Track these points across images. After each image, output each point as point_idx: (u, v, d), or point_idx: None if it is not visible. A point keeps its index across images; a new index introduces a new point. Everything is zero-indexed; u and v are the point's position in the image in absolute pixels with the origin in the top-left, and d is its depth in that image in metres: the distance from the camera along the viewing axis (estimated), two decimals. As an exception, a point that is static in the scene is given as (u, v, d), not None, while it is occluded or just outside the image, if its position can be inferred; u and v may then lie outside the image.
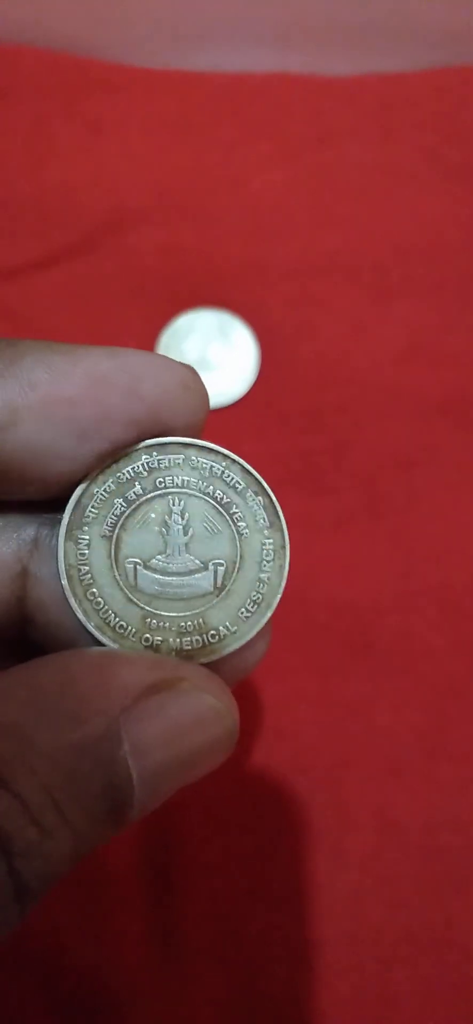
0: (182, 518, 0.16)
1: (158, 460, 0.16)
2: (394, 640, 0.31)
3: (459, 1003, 0.27)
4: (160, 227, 0.38)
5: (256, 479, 0.17)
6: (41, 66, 0.40)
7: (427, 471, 0.34)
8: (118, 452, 0.16)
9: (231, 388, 0.35)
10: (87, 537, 0.16)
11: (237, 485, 0.17)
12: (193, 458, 0.16)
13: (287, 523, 0.17)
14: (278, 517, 0.17)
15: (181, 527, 0.16)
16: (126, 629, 0.16)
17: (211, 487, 0.16)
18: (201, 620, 0.16)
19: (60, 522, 0.16)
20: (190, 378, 0.16)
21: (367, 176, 0.39)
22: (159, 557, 0.16)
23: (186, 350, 0.36)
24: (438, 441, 0.34)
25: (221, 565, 0.16)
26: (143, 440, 0.16)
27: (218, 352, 0.36)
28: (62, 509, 0.16)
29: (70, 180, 0.39)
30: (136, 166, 0.39)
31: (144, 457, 0.16)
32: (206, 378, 0.17)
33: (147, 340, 0.36)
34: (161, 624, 0.16)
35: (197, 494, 0.16)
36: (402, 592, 0.32)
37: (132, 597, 0.16)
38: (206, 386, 0.17)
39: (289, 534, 0.17)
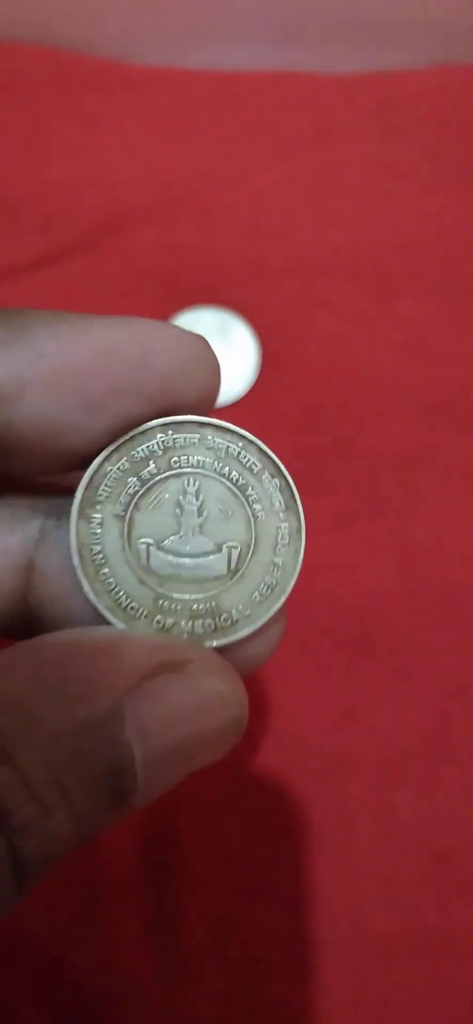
0: (197, 499, 0.16)
1: (173, 439, 0.16)
2: (395, 640, 0.31)
3: (460, 1005, 0.27)
4: (160, 225, 0.38)
5: (273, 461, 0.16)
6: (40, 64, 0.40)
7: (429, 470, 0.34)
8: (132, 429, 0.16)
9: (231, 388, 0.35)
10: (99, 516, 0.16)
11: (253, 467, 0.16)
12: (209, 438, 0.16)
13: None
14: (295, 500, 0.16)
15: (195, 508, 0.16)
16: (137, 611, 0.16)
17: (227, 468, 0.16)
18: (214, 603, 0.16)
19: (68, 509, 0.16)
20: (202, 349, 0.15)
21: (367, 174, 0.39)
22: (173, 538, 0.16)
23: (186, 349, 0.36)
24: (440, 440, 0.34)
25: (235, 548, 0.16)
26: (154, 413, 0.15)
27: (218, 352, 0.36)
28: (71, 498, 0.16)
29: (69, 178, 0.39)
30: (136, 164, 0.39)
31: (159, 435, 0.16)
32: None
33: (147, 339, 0.36)
34: (173, 606, 0.16)
35: (212, 475, 0.16)
36: (403, 592, 0.32)
37: (144, 578, 0.16)
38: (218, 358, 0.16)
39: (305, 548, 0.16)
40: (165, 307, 0.36)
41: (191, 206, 0.38)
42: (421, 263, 0.37)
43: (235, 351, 0.36)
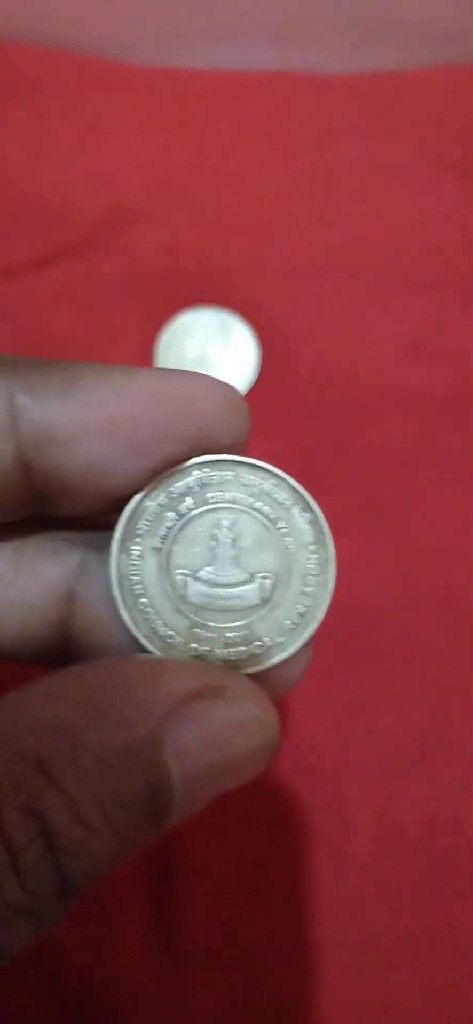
0: (231, 532, 0.17)
1: (210, 476, 0.17)
2: (395, 640, 0.31)
3: (459, 1005, 0.27)
4: (160, 226, 0.38)
5: (303, 497, 0.17)
6: (40, 64, 0.40)
7: (428, 470, 0.34)
8: (171, 468, 0.16)
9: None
10: (139, 549, 0.17)
11: (285, 502, 0.17)
12: (243, 475, 0.17)
13: None
14: (323, 533, 0.17)
15: (230, 541, 0.17)
16: (174, 639, 0.17)
17: (260, 503, 0.17)
18: (247, 631, 0.17)
19: (108, 543, 0.17)
20: (235, 397, 0.17)
21: (367, 174, 0.39)
22: (208, 569, 0.17)
23: (186, 349, 0.36)
24: (439, 440, 0.34)
25: (268, 578, 0.17)
26: (192, 455, 0.16)
27: (218, 352, 0.36)
28: (111, 532, 0.17)
29: (69, 179, 0.39)
30: (135, 165, 0.39)
31: (196, 473, 0.17)
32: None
33: (147, 340, 0.36)
34: (208, 635, 0.17)
35: (246, 510, 0.17)
36: (403, 592, 0.32)
37: (181, 608, 0.17)
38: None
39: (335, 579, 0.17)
40: (165, 307, 0.36)
41: (191, 206, 0.38)
42: (421, 263, 0.37)
43: (235, 351, 0.36)
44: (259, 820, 0.29)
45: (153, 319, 0.36)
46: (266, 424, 0.34)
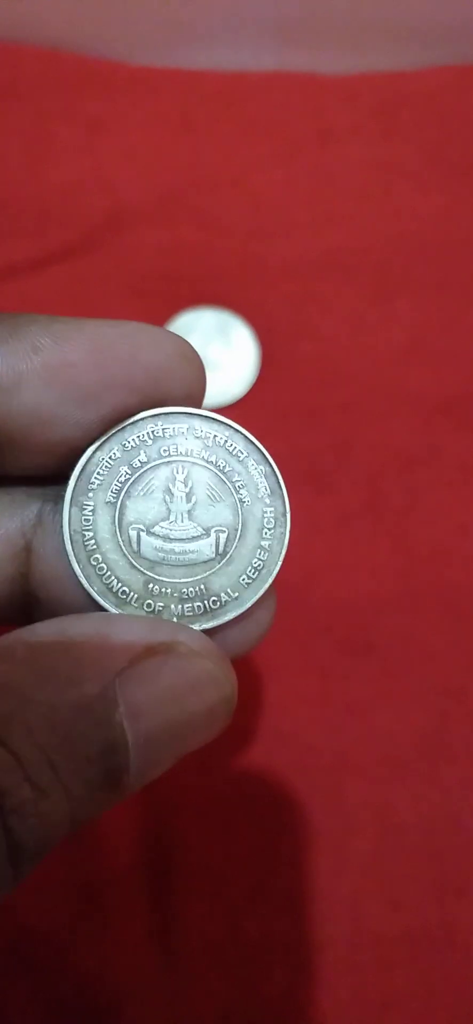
0: (185, 485, 0.17)
1: (163, 429, 0.16)
2: (395, 640, 0.31)
3: (459, 1004, 0.27)
4: (160, 226, 0.38)
5: (258, 448, 0.17)
6: (41, 65, 0.40)
7: (428, 470, 0.34)
8: (123, 420, 0.16)
9: (231, 388, 0.35)
10: (92, 503, 0.16)
11: (240, 454, 0.17)
12: (197, 427, 0.17)
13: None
14: (279, 486, 0.17)
15: (184, 494, 0.17)
16: (128, 595, 0.16)
17: (214, 456, 0.17)
18: (203, 586, 0.17)
19: (64, 492, 0.16)
20: (187, 349, 0.16)
21: (367, 174, 0.39)
22: (162, 524, 0.17)
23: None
24: (439, 440, 0.34)
25: (223, 532, 0.17)
26: (144, 408, 0.16)
27: (218, 352, 0.36)
28: (65, 485, 0.16)
29: (70, 179, 0.39)
30: (136, 165, 0.39)
31: (149, 426, 0.16)
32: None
33: (147, 340, 0.36)
34: (163, 590, 0.16)
35: (200, 462, 0.17)
36: (403, 592, 0.32)
37: (135, 563, 0.16)
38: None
39: (290, 532, 0.17)
40: (165, 308, 0.36)
41: (192, 207, 0.38)
42: (420, 263, 0.37)
43: (235, 351, 0.36)
44: (259, 819, 0.29)
45: (153, 319, 0.36)
46: (266, 424, 0.34)
